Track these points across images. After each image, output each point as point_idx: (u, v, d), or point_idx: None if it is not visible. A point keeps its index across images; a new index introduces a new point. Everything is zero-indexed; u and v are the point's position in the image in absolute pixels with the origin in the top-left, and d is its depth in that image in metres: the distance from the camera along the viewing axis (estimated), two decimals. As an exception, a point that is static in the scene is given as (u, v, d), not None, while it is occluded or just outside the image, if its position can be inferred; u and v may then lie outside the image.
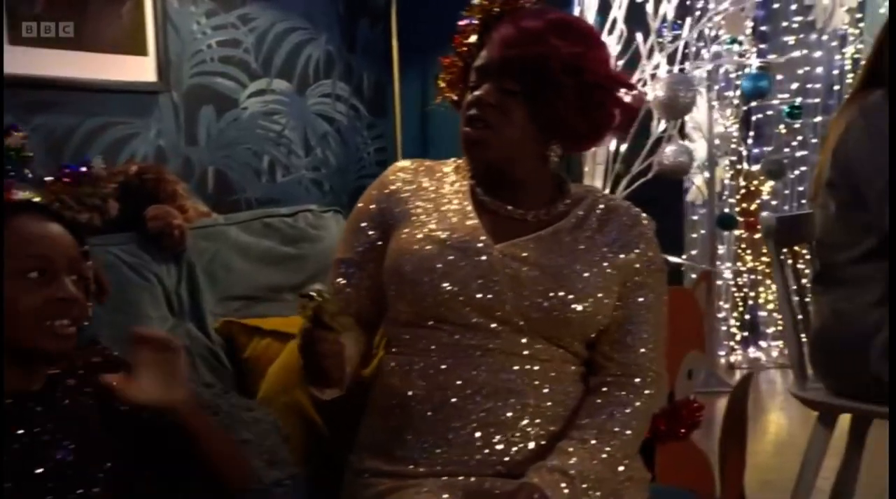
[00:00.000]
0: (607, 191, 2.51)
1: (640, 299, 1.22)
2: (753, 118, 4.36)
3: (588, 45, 1.19)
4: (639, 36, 2.52)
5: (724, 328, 4.25)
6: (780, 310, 2.05)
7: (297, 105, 2.63)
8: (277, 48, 2.58)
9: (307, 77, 2.66)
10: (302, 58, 2.65)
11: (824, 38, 4.42)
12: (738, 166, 4.34)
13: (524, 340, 1.17)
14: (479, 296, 1.15)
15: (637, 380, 1.21)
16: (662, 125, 2.61)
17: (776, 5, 4.40)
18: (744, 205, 4.35)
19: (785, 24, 4.39)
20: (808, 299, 2.07)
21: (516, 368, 1.16)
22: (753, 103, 4.25)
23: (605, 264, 1.20)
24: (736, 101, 4.18)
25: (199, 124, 2.44)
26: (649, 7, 2.54)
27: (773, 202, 4.43)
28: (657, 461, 1.99)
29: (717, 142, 4.09)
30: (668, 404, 2.10)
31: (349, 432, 1.28)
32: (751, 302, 4.38)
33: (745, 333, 4.34)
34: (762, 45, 4.36)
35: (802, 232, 2.08)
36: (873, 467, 2.31)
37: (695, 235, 4.19)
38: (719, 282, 4.22)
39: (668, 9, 2.58)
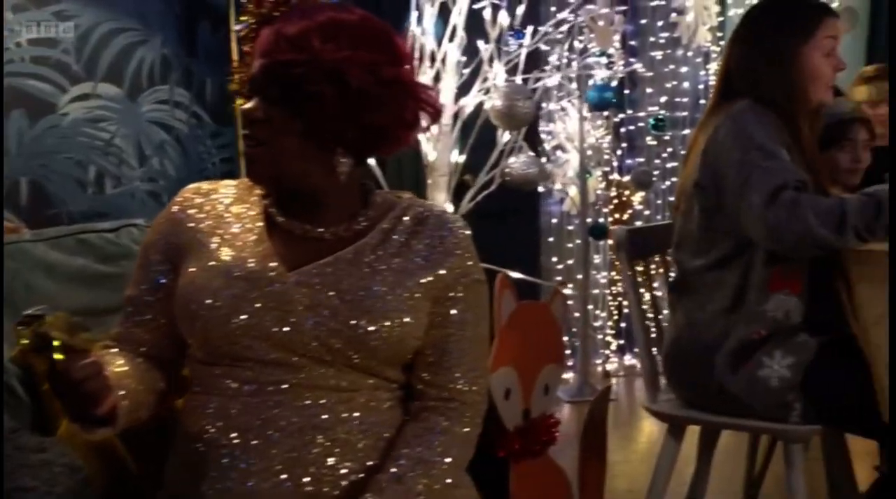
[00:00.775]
0: (450, 203, 2.42)
1: (456, 316, 1.12)
2: (624, 130, 4.41)
3: (360, 47, 1.06)
4: (481, 44, 2.45)
5: (599, 336, 4.24)
6: (632, 323, 1.98)
7: (128, 112, 2.44)
8: (103, 50, 2.39)
9: (140, 82, 2.48)
10: (133, 61, 2.47)
11: (689, 54, 4.57)
12: (611, 177, 4.36)
13: (329, 372, 1.06)
14: (274, 329, 1.04)
15: (456, 404, 1.12)
16: (509, 136, 2.55)
17: (643, 21, 4.49)
18: (616, 215, 4.38)
19: (653, 39, 4.49)
20: (665, 312, 2.02)
21: (323, 402, 1.05)
22: (622, 115, 4.30)
23: (413, 281, 1.09)
24: (606, 113, 4.21)
25: (7, 131, 2.22)
26: (486, 14, 2.46)
27: (646, 212, 4.49)
28: (512, 481, 1.91)
29: (589, 153, 4.11)
30: (522, 420, 2.01)
31: (160, 471, 1.15)
32: (626, 310, 4.37)
33: (621, 341, 4.34)
34: (632, 59, 4.42)
35: (658, 243, 2.05)
36: (723, 470, 2.29)
37: (570, 245, 4.18)
38: (595, 290, 4.22)
39: (509, 17, 2.52)
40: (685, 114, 4.53)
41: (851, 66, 4.70)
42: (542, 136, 4.16)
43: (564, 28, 3.17)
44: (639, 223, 4.26)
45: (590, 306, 4.07)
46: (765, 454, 2.32)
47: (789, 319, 1.72)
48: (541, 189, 4.16)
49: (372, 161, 2.40)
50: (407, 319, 1.07)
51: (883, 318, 1.59)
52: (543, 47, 4.00)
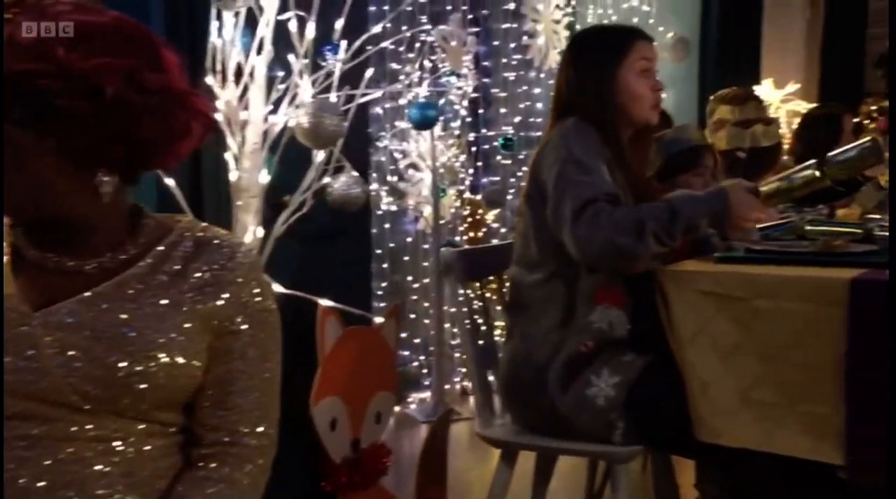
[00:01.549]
0: (258, 226, 2.31)
1: (238, 351, 1.01)
2: (479, 149, 4.42)
3: (114, 53, 0.92)
4: (291, 58, 2.35)
5: (456, 354, 4.20)
6: (462, 346, 1.93)
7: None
8: None
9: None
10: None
11: (542, 75, 4.66)
12: (465, 196, 4.36)
13: (87, 420, 0.93)
14: (18, 377, 0.91)
15: (239, 450, 1.01)
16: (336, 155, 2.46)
17: (496, 42, 4.53)
18: (471, 234, 4.37)
19: (505, 60, 4.54)
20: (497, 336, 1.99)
21: (89, 454, 0.93)
22: (474, 134, 4.31)
23: (187, 314, 0.97)
24: (457, 132, 4.21)
25: None
26: (292, 26, 2.36)
27: (502, 230, 4.50)
28: (340, 516, 1.81)
29: (442, 172, 4.09)
30: (351, 451, 1.91)
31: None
32: (483, 329, 4.36)
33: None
34: (486, 79, 4.45)
35: (495, 263, 2.02)
36: (562, 491, 2.27)
37: (426, 264, 4.13)
38: (453, 309, 4.18)
39: (319, 30, 2.42)
40: (539, 134, 4.61)
41: (686, 90, 4.97)
42: (396, 155, 4.12)
43: (408, 44, 3.10)
44: (495, 241, 4.26)
45: (447, 325, 4.03)
46: (603, 475, 2.32)
47: (613, 330, 1.73)
48: (394, 208, 4.11)
49: (171, 181, 2.24)
50: (179, 358, 0.96)
51: (697, 336, 1.59)
52: (394, 65, 3.99)
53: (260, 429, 1.03)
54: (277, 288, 2.14)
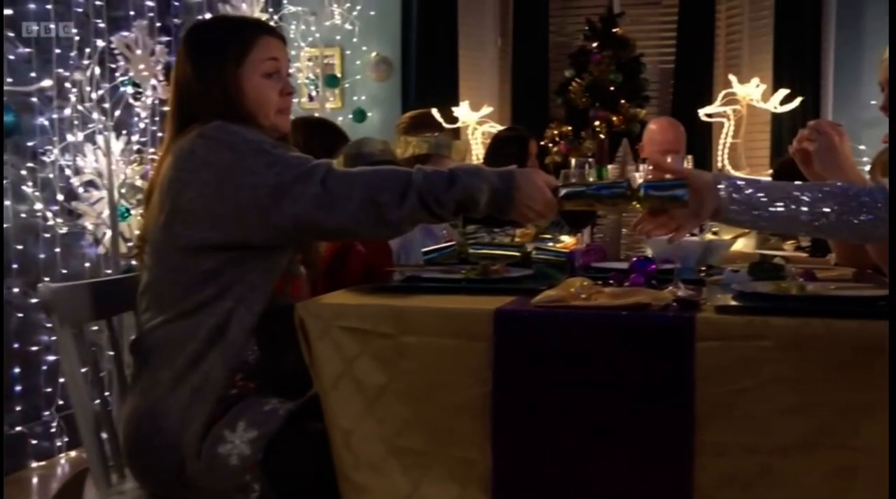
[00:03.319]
0: None
1: None
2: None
3: None
4: None
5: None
6: (70, 396, 1.56)
7: None
8: None
9: None
10: None
11: None
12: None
13: None
14: None
15: None
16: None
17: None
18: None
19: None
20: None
21: None
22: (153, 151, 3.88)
23: None
24: (138, 147, 3.77)
25: None
26: None
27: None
28: None
29: (123, 191, 3.64)
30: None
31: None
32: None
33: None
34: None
35: (116, 300, 1.68)
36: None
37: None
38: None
39: None
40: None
41: (391, 109, 4.90)
42: (67, 172, 3.59)
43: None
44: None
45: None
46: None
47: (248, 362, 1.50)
48: (64, 230, 3.57)
49: None
50: None
51: (340, 379, 1.38)
52: (62, 71, 3.48)
53: None
54: None
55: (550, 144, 4.54)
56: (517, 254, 1.79)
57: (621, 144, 2.20)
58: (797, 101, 3.94)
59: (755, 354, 1.22)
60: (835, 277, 1.46)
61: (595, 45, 4.51)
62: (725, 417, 1.23)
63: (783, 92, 4.03)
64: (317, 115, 4.77)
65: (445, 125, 4.56)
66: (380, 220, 1.43)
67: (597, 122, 4.38)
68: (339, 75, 4.91)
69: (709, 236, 1.88)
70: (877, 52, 4.37)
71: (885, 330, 1.15)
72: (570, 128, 4.48)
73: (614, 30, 4.55)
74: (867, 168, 2.83)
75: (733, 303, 1.31)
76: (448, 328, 1.35)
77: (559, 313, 1.33)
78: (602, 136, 4.34)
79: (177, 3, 4.43)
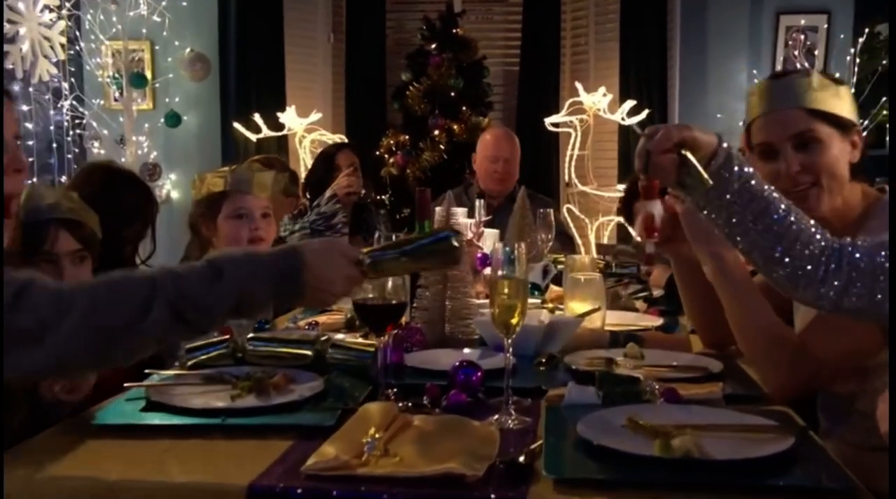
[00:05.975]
0: None
1: None
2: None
3: None
4: None
5: None
6: None
7: None
8: None
9: None
10: None
11: (31, 89, 3.88)
12: None
13: None
14: None
15: None
16: None
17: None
18: None
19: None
20: None
21: None
22: None
23: None
24: None
25: None
26: None
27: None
28: None
29: None
30: None
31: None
32: None
33: None
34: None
35: None
36: None
37: None
38: None
39: None
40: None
41: (210, 111, 4.33)
42: None
43: None
44: None
45: None
46: None
47: None
48: None
49: None
50: None
51: None
52: None
53: None
54: None
55: (387, 155, 4.12)
56: (308, 353, 1.35)
57: (445, 197, 1.81)
58: (644, 114, 3.72)
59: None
60: (703, 395, 1.14)
61: (434, 46, 4.11)
62: None
63: (630, 103, 3.81)
64: (123, 136, 4.12)
65: (269, 133, 4.06)
66: (111, 349, 0.97)
67: (436, 132, 3.99)
68: (148, 73, 4.27)
69: (546, 315, 1.52)
70: (721, 61, 4.19)
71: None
72: (407, 137, 4.06)
73: (455, 30, 4.17)
74: None
75: (576, 472, 0.93)
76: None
77: (335, 492, 0.90)
78: (442, 146, 3.97)
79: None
